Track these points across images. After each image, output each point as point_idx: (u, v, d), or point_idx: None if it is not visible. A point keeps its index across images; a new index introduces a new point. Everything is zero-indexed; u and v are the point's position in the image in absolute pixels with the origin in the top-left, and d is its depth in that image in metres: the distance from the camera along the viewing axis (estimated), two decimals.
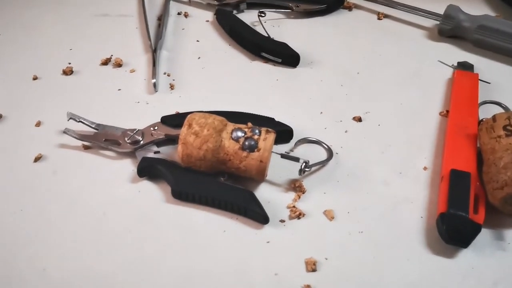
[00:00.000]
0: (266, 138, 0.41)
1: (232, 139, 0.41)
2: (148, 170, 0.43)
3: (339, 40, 0.57)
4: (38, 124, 0.48)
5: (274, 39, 0.55)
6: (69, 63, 0.54)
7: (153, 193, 0.43)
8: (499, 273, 0.38)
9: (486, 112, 0.47)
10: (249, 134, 0.41)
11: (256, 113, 0.46)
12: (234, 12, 0.59)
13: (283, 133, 0.45)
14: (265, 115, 0.46)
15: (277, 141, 0.43)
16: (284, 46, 0.54)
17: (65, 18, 0.60)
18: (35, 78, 0.52)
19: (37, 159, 0.45)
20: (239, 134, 0.41)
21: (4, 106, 0.50)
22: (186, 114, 0.44)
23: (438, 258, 0.38)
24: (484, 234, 0.39)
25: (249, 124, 0.42)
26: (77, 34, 0.58)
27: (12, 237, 0.40)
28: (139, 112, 0.49)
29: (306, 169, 0.43)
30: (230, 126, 0.42)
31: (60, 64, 0.54)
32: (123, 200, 0.42)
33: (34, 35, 0.58)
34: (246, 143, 0.41)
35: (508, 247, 0.39)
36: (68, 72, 0.53)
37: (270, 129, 0.42)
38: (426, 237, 0.40)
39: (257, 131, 0.41)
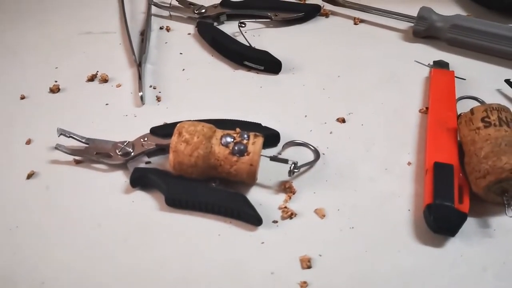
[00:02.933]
0: (254, 142, 0.42)
1: (222, 144, 0.42)
2: (141, 180, 0.44)
3: (318, 46, 0.59)
4: (28, 142, 0.48)
5: (256, 47, 0.56)
6: (56, 81, 0.54)
7: (147, 202, 0.43)
8: (487, 259, 0.39)
9: (464, 107, 0.48)
10: (238, 139, 0.42)
11: (243, 120, 0.47)
12: (215, 24, 0.61)
13: (271, 137, 0.47)
14: (252, 121, 0.48)
15: (265, 145, 0.44)
16: (265, 54, 0.55)
17: (48, 37, 0.61)
18: (22, 98, 0.53)
19: (29, 176, 0.45)
20: (228, 139, 0.42)
21: None
22: (175, 124, 0.45)
23: (428, 248, 0.40)
24: (470, 223, 0.41)
25: (238, 129, 0.43)
26: (62, 52, 0.58)
27: (9, 252, 0.40)
28: (128, 125, 0.50)
29: (295, 170, 0.44)
30: (219, 132, 0.43)
31: (47, 82, 0.54)
32: (117, 211, 0.43)
33: (19, 55, 0.58)
34: (236, 147, 0.42)
35: (494, 233, 0.41)
36: (55, 90, 0.53)
37: (258, 134, 0.43)
38: (414, 228, 0.41)
39: (245, 135, 0.42)
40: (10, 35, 0.62)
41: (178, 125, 0.43)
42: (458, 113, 0.48)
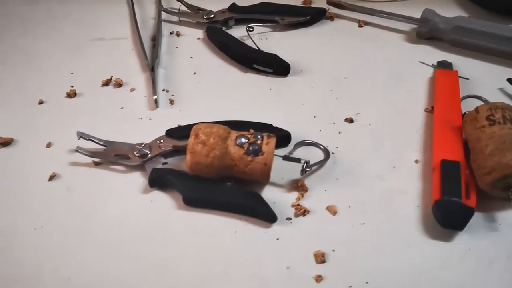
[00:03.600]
0: (268, 142, 0.44)
1: (237, 145, 0.44)
2: (159, 180, 0.46)
3: (325, 48, 0.61)
4: (48, 145, 0.50)
5: (264, 51, 0.58)
6: (72, 86, 0.56)
7: (165, 202, 0.45)
8: (494, 252, 0.41)
9: (468, 106, 0.50)
10: (252, 139, 0.44)
11: (254, 121, 0.49)
12: (224, 28, 0.63)
13: (282, 138, 0.48)
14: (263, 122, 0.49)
15: (277, 146, 0.46)
16: (274, 57, 0.57)
17: (61, 45, 0.62)
18: (41, 103, 0.55)
19: (51, 178, 0.47)
20: (243, 140, 0.44)
21: (14, 130, 0.52)
22: (189, 126, 0.46)
23: (436, 243, 0.41)
24: (477, 218, 0.42)
25: (251, 130, 0.45)
26: (76, 58, 0.60)
27: (36, 251, 0.42)
28: (143, 127, 0.52)
29: (307, 169, 0.45)
30: (234, 133, 0.45)
31: (63, 87, 0.56)
32: (136, 210, 0.44)
33: (34, 62, 0.60)
34: (250, 148, 0.43)
35: (500, 228, 0.42)
36: (72, 94, 0.55)
37: (271, 134, 0.45)
38: (423, 224, 0.43)
39: (259, 136, 0.44)
40: (24, 42, 0.63)
41: (194, 127, 0.45)
42: (463, 112, 0.50)
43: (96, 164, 0.48)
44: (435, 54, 0.59)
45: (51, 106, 0.55)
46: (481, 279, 0.39)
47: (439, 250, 0.41)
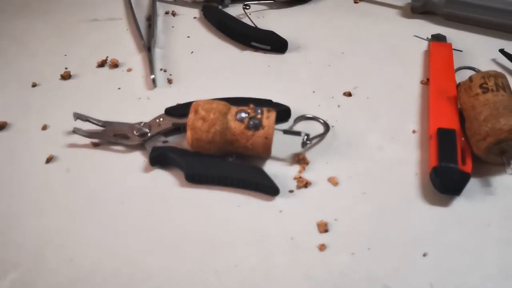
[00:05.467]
0: (268, 116, 0.44)
1: (237, 120, 0.44)
2: (160, 158, 0.46)
3: (321, 25, 0.61)
4: (44, 127, 0.50)
5: (261, 28, 0.58)
6: (66, 68, 0.56)
7: (167, 179, 0.45)
8: (490, 215, 0.42)
9: (462, 77, 0.50)
10: (252, 114, 0.44)
11: (253, 97, 0.49)
12: (220, 7, 0.63)
13: (282, 113, 0.49)
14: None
15: (277, 121, 0.46)
16: (272, 34, 0.57)
17: (54, 26, 0.62)
18: (34, 85, 0.54)
19: (49, 160, 0.47)
20: (243, 115, 0.44)
21: (8, 114, 0.51)
22: (188, 104, 0.47)
23: (435, 208, 0.42)
24: (473, 183, 0.43)
25: (251, 105, 0.45)
26: (69, 40, 0.60)
27: (37, 232, 0.42)
28: (142, 107, 0.52)
29: (308, 142, 0.46)
30: (234, 108, 0.45)
31: (57, 69, 0.56)
32: (138, 189, 0.45)
33: (26, 43, 0.60)
34: (251, 122, 0.44)
35: (495, 192, 0.43)
36: (66, 76, 0.55)
37: (270, 108, 0.45)
38: (422, 191, 0.44)
39: (259, 111, 0.44)
40: (16, 24, 0.63)
41: (193, 103, 0.45)
42: (457, 83, 0.50)
43: (95, 145, 0.48)
44: (429, 28, 0.60)
45: (45, 88, 0.54)
46: (479, 241, 0.40)
47: (438, 215, 0.42)
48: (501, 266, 0.39)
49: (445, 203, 0.42)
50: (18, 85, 0.55)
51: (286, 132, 0.46)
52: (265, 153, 0.45)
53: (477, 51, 0.56)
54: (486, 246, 0.40)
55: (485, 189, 0.43)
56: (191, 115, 0.44)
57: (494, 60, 0.55)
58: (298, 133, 0.46)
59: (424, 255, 0.39)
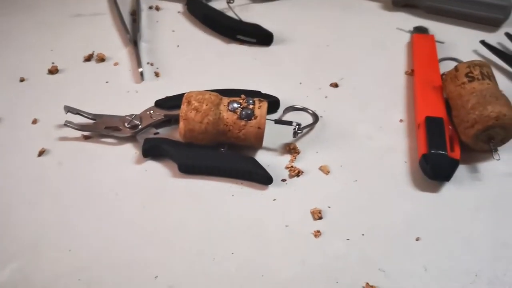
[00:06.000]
0: (260, 106, 0.45)
1: (230, 110, 0.44)
2: (153, 149, 0.46)
3: (305, 18, 0.62)
4: (34, 121, 0.49)
5: (246, 22, 0.59)
6: (53, 63, 0.55)
7: (160, 170, 0.45)
8: (478, 200, 0.43)
9: (445, 68, 0.52)
10: (244, 104, 0.45)
11: (243, 89, 0.50)
12: (204, 1, 0.63)
13: (271, 104, 0.49)
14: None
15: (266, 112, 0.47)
16: (257, 27, 0.58)
17: (39, 21, 0.61)
18: (22, 80, 0.54)
19: (41, 153, 0.47)
20: (235, 105, 0.44)
21: None
22: (178, 96, 0.47)
23: (425, 194, 0.43)
24: (461, 169, 0.45)
25: (243, 96, 0.45)
26: (55, 35, 0.59)
27: (33, 224, 0.42)
28: (131, 100, 0.52)
29: (299, 131, 0.47)
30: (225, 99, 0.45)
31: (44, 64, 0.55)
32: (132, 180, 0.45)
33: (12, 40, 0.59)
34: (243, 112, 0.44)
35: (483, 177, 0.45)
36: (54, 71, 0.54)
37: (262, 99, 0.46)
38: (411, 178, 0.45)
39: (251, 101, 0.45)
40: (1, 20, 0.62)
41: (186, 94, 0.45)
42: (441, 73, 0.52)
43: (86, 137, 0.48)
44: (411, 21, 0.61)
45: (33, 83, 0.54)
46: (469, 224, 0.41)
47: (428, 201, 0.43)
48: (490, 247, 0.40)
49: (435, 189, 0.44)
50: (6, 80, 0.54)
51: (277, 122, 0.47)
52: (257, 142, 0.45)
53: (458, 42, 0.58)
54: (475, 229, 0.41)
55: (473, 175, 0.45)
56: (183, 106, 0.44)
57: (475, 51, 0.57)
58: (289, 123, 0.46)
59: (417, 239, 0.40)
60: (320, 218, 0.42)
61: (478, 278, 0.38)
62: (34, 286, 0.38)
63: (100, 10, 0.63)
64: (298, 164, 0.46)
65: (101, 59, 0.56)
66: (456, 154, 0.44)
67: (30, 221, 0.42)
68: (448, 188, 0.44)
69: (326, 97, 0.52)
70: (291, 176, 0.45)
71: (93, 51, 0.57)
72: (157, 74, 0.54)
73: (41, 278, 0.38)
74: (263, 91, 0.50)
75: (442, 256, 0.39)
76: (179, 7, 0.63)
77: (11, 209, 0.43)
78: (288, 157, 0.46)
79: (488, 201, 0.43)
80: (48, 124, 0.49)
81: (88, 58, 0.56)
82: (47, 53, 0.57)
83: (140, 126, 0.47)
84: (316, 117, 0.49)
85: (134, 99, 0.52)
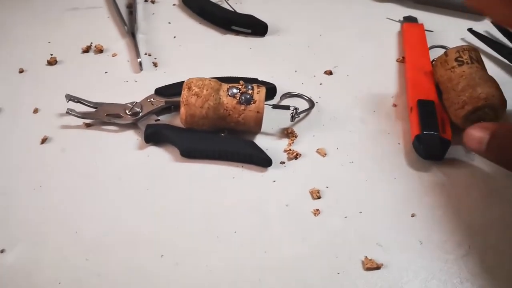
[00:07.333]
0: (259, 91, 0.46)
1: (229, 95, 0.46)
2: (154, 135, 0.47)
3: (298, 9, 0.63)
4: (35, 111, 0.50)
5: (241, 13, 0.60)
6: (52, 54, 0.56)
7: (162, 155, 0.46)
8: (470, 179, 0.45)
9: (435, 55, 0.53)
10: (243, 89, 0.46)
11: (240, 76, 0.51)
12: None
13: (268, 90, 0.50)
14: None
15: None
16: (252, 18, 0.59)
17: (36, 15, 0.62)
18: (21, 71, 0.54)
19: (43, 141, 0.47)
20: (235, 90, 0.46)
21: None
22: (177, 84, 0.48)
23: (419, 173, 0.45)
24: (453, 150, 0.46)
25: (241, 82, 0.47)
26: (52, 27, 0.60)
27: (38, 208, 0.42)
28: (131, 89, 0.53)
29: (296, 116, 0.48)
30: (225, 85, 0.46)
31: (43, 56, 0.56)
32: (135, 165, 0.46)
33: (9, 33, 0.59)
34: (243, 97, 0.45)
35: (474, 157, 0.46)
36: (53, 62, 0.55)
37: (260, 85, 0.47)
38: (405, 158, 0.46)
39: (249, 86, 0.46)
40: None
41: (186, 80, 0.46)
42: (432, 59, 0.54)
43: (87, 125, 0.49)
44: (400, 11, 0.63)
45: (32, 74, 0.54)
46: (460, 200, 0.43)
47: (422, 180, 0.45)
48: (481, 221, 0.42)
49: (427, 168, 0.45)
50: (4, 72, 0.55)
51: (275, 106, 0.48)
52: (257, 127, 0.47)
53: (447, 31, 0.60)
54: (466, 205, 0.43)
55: (464, 155, 0.46)
56: (184, 92, 0.45)
57: (463, 39, 0.59)
58: (287, 107, 0.48)
59: (412, 215, 0.42)
60: (319, 197, 0.43)
61: (471, 250, 0.40)
62: (42, 266, 0.39)
63: (97, 3, 0.64)
64: (296, 148, 0.47)
65: (100, 50, 0.57)
66: (448, 135, 0.46)
67: (34, 205, 0.43)
68: (441, 168, 0.45)
69: (321, 84, 0.54)
70: (289, 159, 0.46)
71: (91, 43, 0.58)
72: (155, 64, 0.56)
73: (48, 259, 0.39)
74: (260, 78, 0.51)
75: (436, 231, 0.41)
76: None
77: (16, 194, 0.43)
78: (286, 141, 0.48)
79: (480, 180, 0.45)
80: (49, 113, 0.50)
81: (87, 50, 0.57)
82: (45, 45, 0.58)
83: (141, 113, 0.49)
84: (312, 103, 0.51)
85: (134, 88, 0.53)
